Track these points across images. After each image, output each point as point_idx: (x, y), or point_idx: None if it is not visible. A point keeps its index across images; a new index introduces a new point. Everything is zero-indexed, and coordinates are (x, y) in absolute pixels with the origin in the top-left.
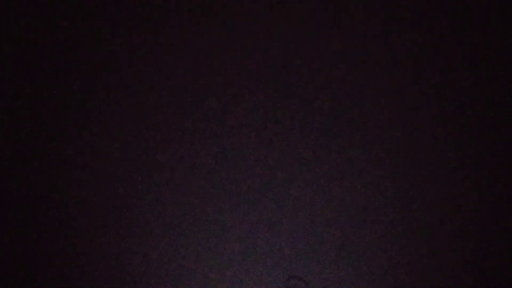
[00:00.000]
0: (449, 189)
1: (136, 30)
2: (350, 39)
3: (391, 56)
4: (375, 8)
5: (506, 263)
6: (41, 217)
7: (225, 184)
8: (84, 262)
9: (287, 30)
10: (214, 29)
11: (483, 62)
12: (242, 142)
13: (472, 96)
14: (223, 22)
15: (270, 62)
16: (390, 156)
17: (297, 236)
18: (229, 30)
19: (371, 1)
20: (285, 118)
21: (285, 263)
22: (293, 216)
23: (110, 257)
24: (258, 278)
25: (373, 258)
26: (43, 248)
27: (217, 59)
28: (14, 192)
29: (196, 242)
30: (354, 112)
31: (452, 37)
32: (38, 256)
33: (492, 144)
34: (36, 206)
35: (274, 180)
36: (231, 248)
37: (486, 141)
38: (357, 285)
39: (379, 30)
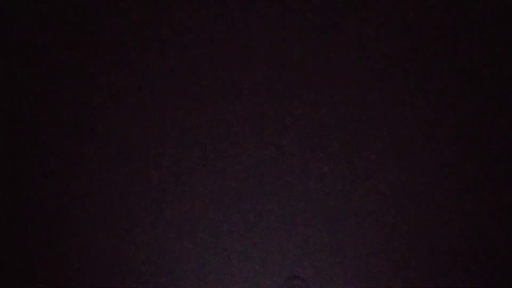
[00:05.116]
0: (449, 189)
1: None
2: (348, 42)
3: (391, 58)
4: (374, 11)
5: (506, 263)
6: (40, 217)
7: (225, 184)
8: (84, 262)
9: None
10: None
11: (482, 63)
12: (244, 143)
13: (472, 97)
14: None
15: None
16: (391, 156)
17: (297, 236)
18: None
19: (371, 4)
20: (287, 119)
21: (285, 263)
22: (293, 217)
23: (110, 257)
24: (258, 278)
25: (373, 258)
26: (42, 248)
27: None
28: (13, 192)
29: (196, 242)
30: (354, 113)
31: (451, 38)
32: (38, 256)
33: (492, 144)
34: (36, 206)
35: (274, 181)
36: (231, 248)
37: (486, 141)
38: (357, 285)
39: (377, 33)
